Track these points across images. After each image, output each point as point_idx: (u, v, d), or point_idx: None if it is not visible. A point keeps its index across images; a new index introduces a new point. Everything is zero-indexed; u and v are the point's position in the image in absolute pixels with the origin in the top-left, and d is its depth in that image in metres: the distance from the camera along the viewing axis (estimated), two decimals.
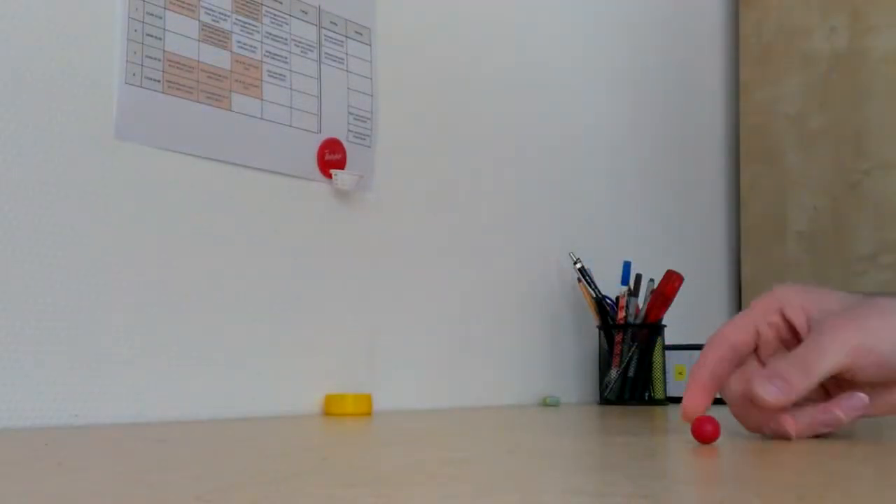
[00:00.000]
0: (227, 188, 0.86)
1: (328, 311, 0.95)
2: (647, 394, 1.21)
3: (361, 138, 0.99)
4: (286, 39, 0.92)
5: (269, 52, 0.90)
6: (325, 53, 0.96)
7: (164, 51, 0.81)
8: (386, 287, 1.02)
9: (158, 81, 0.80)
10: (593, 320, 1.26)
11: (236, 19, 0.87)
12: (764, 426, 0.60)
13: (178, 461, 0.49)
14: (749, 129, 1.72)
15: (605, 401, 1.23)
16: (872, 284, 1.54)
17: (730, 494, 0.36)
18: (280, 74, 0.91)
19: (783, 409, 0.58)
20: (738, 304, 1.74)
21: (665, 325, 1.23)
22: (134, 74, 0.78)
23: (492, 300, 1.17)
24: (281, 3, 0.92)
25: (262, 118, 0.89)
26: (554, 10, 1.32)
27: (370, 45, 1.01)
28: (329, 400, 0.91)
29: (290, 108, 0.92)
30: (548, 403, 1.18)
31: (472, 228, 1.14)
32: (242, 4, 0.88)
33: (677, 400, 1.27)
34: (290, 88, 0.92)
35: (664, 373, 1.22)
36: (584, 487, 0.38)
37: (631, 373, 1.21)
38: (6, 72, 0.71)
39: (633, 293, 1.23)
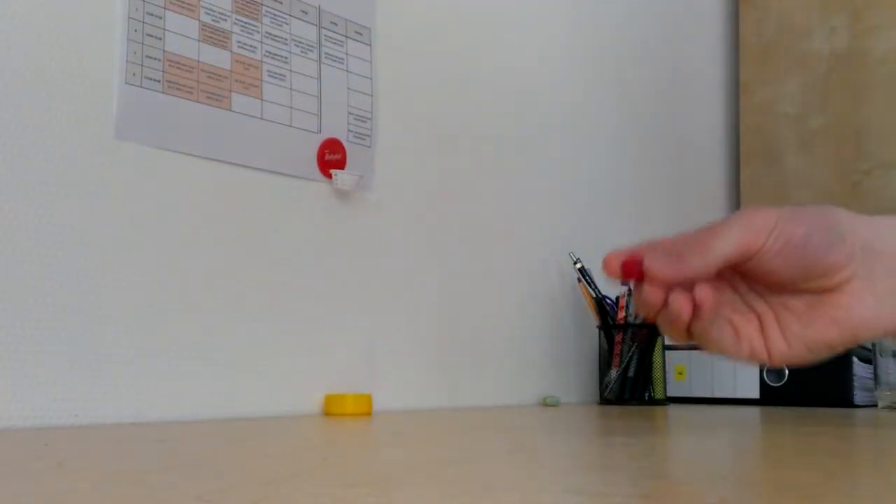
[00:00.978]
0: (227, 188, 0.86)
1: (328, 311, 0.95)
2: (646, 394, 1.21)
3: (361, 138, 0.99)
4: (286, 39, 0.92)
5: (269, 52, 0.90)
6: (325, 53, 0.96)
7: (164, 51, 0.81)
8: (386, 287, 1.02)
9: (158, 81, 0.80)
10: (593, 320, 1.26)
11: (236, 19, 0.87)
12: (662, 318, 0.52)
13: (178, 461, 0.49)
14: (749, 129, 1.72)
15: (605, 401, 1.23)
16: None
17: (730, 494, 0.36)
18: (280, 74, 0.91)
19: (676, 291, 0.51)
20: None
21: None
22: (134, 74, 0.78)
23: (491, 300, 1.17)
24: (281, 3, 0.91)
25: (262, 118, 0.89)
26: (553, 11, 1.32)
27: (370, 45, 1.01)
28: (329, 400, 0.91)
29: (290, 108, 0.92)
30: (548, 403, 1.18)
31: (471, 228, 1.14)
32: (242, 4, 0.88)
33: (677, 400, 1.27)
34: (290, 88, 0.92)
35: (664, 373, 1.22)
36: (584, 487, 0.38)
37: (631, 373, 1.21)
38: (6, 72, 0.71)
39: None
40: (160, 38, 0.81)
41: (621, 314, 1.22)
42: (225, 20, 0.86)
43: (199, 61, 0.84)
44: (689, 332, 0.53)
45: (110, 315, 0.76)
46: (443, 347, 1.08)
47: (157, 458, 0.51)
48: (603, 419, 0.92)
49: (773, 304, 0.52)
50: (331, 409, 0.91)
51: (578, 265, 1.25)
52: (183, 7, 0.83)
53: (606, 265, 0.55)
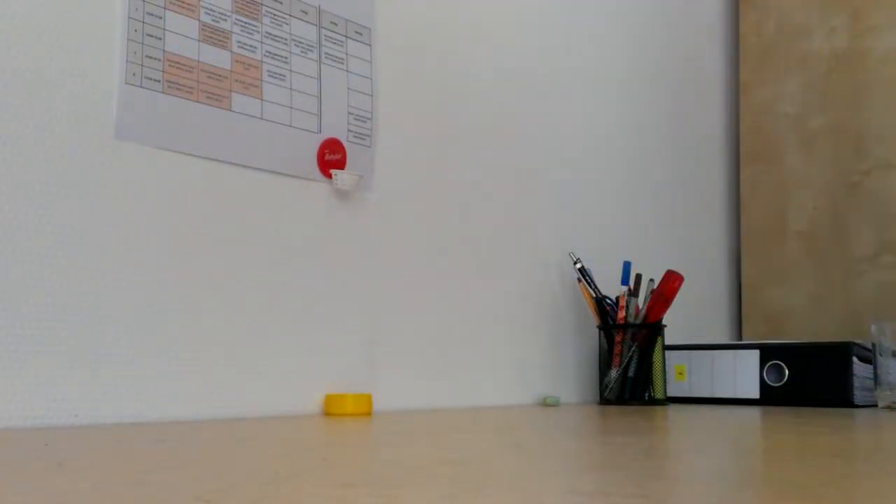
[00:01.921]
0: (227, 188, 0.86)
1: (328, 311, 0.95)
2: (646, 394, 1.21)
3: (361, 138, 0.99)
4: (286, 39, 0.92)
5: (269, 52, 0.90)
6: (325, 53, 0.96)
7: (164, 51, 0.81)
8: (386, 287, 1.02)
9: (158, 81, 0.80)
10: (593, 320, 1.26)
11: (236, 19, 0.87)
12: None
13: (178, 461, 0.49)
14: (749, 129, 1.72)
15: (605, 401, 1.23)
16: (872, 284, 1.54)
17: (730, 494, 0.36)
18: (280, 74, 0.91)
19: None
20: (738, 304, 1.74)
21: (665, 326, 1.23)
22: (134, 74, 0.78)
23: (491, 300, 1.17)
24: (281, 3, 0.91)
25: (262, 118, 0.89)
26: (554, 11, 1.32)
27: (370, 45, 1.01)
28: (329, 400, 0.91)
29: (290, 108, 0.92)
30: (548, 403, 1.18)
31: (471, 228, 1.14)
32: (242, 4, 0.88)
33: (677, 400, 1.27)
34: (290, 88, 0.92)
35: (664, 373, 1.22)
36: (584, 487, 0.38)
37: (631, 373, 1.21)
38: (6, 72, 0.71)
39: (633, 293, 1.23)
40: (160, 38, 0.81)
41: (621, 314, 1.22)
42: (225, 20, 0.86)
43: (199, 61, 0.84)
44: None
45: (110, 315, 0.76)
46: (443, 347, 1.08)
47: (157, 458, 0.51)
48: (603, 419, 0.92)
49: None
50: (331, 409, 0.91)
51: (578, 265, 1.25)
52: (183, 7, 0.83)
53: None
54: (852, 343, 1.20)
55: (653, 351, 1.21)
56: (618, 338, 1.22)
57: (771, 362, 1.23)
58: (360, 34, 1.00)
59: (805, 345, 1.24)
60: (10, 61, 0.71)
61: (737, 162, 1.76)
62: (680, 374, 1.28)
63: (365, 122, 0.99)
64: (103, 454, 0.53)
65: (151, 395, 0.78)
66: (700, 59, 1.73)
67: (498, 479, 0.41)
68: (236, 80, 0.87)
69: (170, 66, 0.81)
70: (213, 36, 0.85)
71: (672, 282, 1.21)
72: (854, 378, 1.18)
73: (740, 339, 1.71)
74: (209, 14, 0.85)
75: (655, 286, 1.22)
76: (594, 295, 1.24)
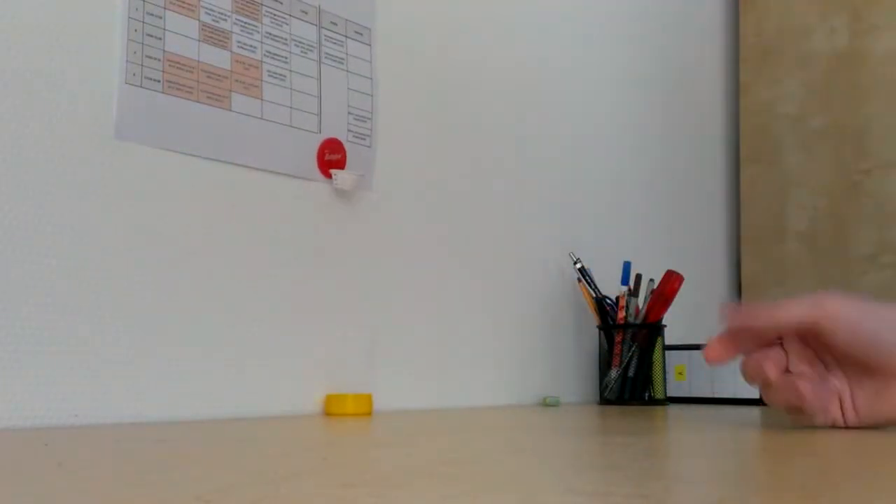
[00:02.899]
0: (227, 188, 0.86)
1: (328, 311, 0.95)
2: (646, 394, 1.21)
3: (361, 138, 0.99)
4: (286, 39, 0.92)
5: (269, 52, 0.90)
6: (325, 53, 0.96)
7: (164, 51, 0.81)
8: (386, 287, 1.02)
9: (158, 81, 0.80)
10: (593, 320, 1.26)
11: (236, 19, 0.87)
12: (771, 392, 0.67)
13: (178, 461, 0.49)
14: (749, 129, 1.72)
15: (605, 401, 1.23)
16: (872, 284, 1.54)
17: (730, 494, 0.36)
18: (280, 74, 0.91)
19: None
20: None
21: (665, 325, 1.23)
22: (134, 74, 0.78)
23: (492, 300, 1.17)
24: (281, 3, 0.91)
25: (262, 118, 0.89)
26: (554, 11, 1.32)
27: (370, 45, 1.01)
28: (329, 400, 0.91)
29: (290, 108, 0.92)
30: (548, 403, 1.18)
31: (471, 228, 1.14)
32: (242, 4, 0.88)
33: (677, 400, 1.27)
34: (290, 88, 0.92)
35: (664, 373, 1.22)
36: (584, 487, 0.38)
37: (631, 373, 1.21)
38: (6, 72, 0.71)
39: (633, 293, 1.23)
40: (160, 38, 0.81)
41: (621, 314, 1.22)
42: (225, 20, 0.86)
43: (199, 61, 0.84)
44: (799, 408, 0.66)
45: (110, 315, 0.76)
46: (443, 347, 1.08)
47: (157, 458, 0.51)
48: (603, 419, 0.92)
49: (851, 383, 0.65)
50: (331, 409, 0.91)
51: (578, 265, 1.25)
52: (183, 7, 0.83)
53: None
54: None
55: (653, 351, 1.21)
56: (618, 338, 1.22)
57: None
58: (360, 34, 1.00)
59: None
60: (10, 61, 0.71)
61: (737, 162, 1.76)
62: (680, 374, 1.28)
63: (365, 122, 0.99)
64: (103, 454, 0.53)
65: (151, 395, 0.78)
66: (700, 60, 1.73)
67: (498, 479, 0.41)
68: (236, 80, 0.87)
69: (170, 66, 0.81)
70: (213, 36, 0.85)
71: (672, 282, 1.21)
72: None
73: None
74: (209, 14, 0.85)
75: (655, 286, 1.22)
76: (594, 295, 1.24)
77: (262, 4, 0.90)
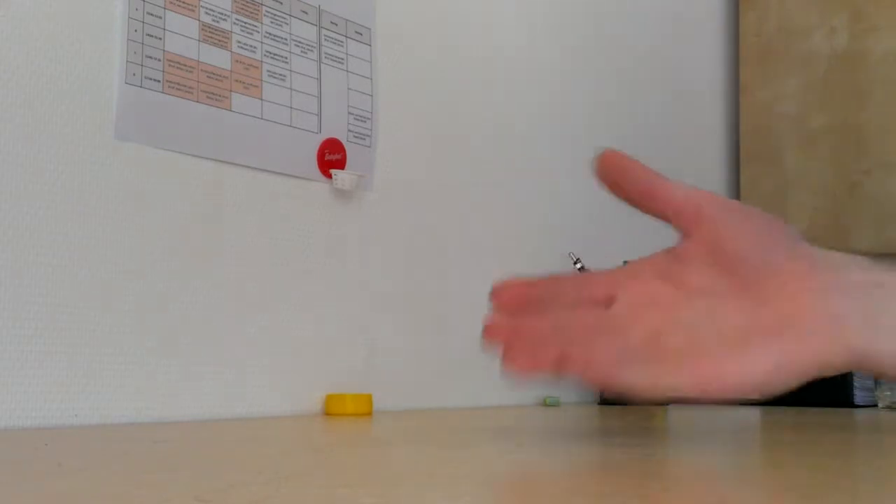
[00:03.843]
0: (227, 188, 0.86)
1: (328, 311, 0.95)
2: None
3: (361, 138, 0.99)
4: (286, 39, 0.92)
5: (269, 52, 0.90)
6: (325, 53, 0.96)
7: (164, 51, 0.81)
8: (386, 287, 1.01)
9: (158, 81, 0.80)
10: None
11: (236, 19, 0.87)
12: None
13: (178, 461, 0.49)
14: (749, 129, 1.72)
15: (604, 401, 1.23)
16: None
17: (730, 494, 0.36)
18: (280, 74, 0.91)
19: None
20: None
21: None
22: (134, 74, 0.78)
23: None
24: (281, 3, 0.91)
25: (262, 118, 0.89)
26: (554, 12, 1.32)
27: (370, 45, 1.01)
28: (329, 400, 0.91)
29: (290, 108, 0.92)
30: (548, 403, 1.18)
31: (472, 228, 1.14)
32: (242, 4, 0.88)
33: (677, 400, 1.27)
34: (290, 88, 0.92)
35: None
36: (584, 487, 0.38)
37: None
38: (6, 72, 0.71)
39: None
40: (160, 38, 0.81)
41: None
42: (225, 20, 0.86)
43: (199, 61, 0.83)
44: None
45: (110, 315, 0.76)
46: (443, 347, 1.08)
47: (157, 458, 0.51)
48: (603, 419, 0.92)
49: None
50: (331, 409, 0.91)
51: (578, 265, 1.24)
52: (183, 7, 0.83)
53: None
54: None
55: None
56: None
57: None
58: (360, 34, 1.00)
59: None
60: (9, 61, 0.71)
61: (737, 162, 1.76)
62: None
63: (365, 122, 0.99)
64: (103, 454, 0.53)
65: (151, 395, 0.78)
66: (700, 59, 1.73)
67: (498, 478, 0.41)
68: (236, 80, 0.87)
69: (170, 66, 0.81)
70: (213, 36, 0.85)
71: None
72: (854, 378, 1.18)
73: None
74: (209, 14, 0.85)
75: None
76: None
77: (262, 4, 0.90)
